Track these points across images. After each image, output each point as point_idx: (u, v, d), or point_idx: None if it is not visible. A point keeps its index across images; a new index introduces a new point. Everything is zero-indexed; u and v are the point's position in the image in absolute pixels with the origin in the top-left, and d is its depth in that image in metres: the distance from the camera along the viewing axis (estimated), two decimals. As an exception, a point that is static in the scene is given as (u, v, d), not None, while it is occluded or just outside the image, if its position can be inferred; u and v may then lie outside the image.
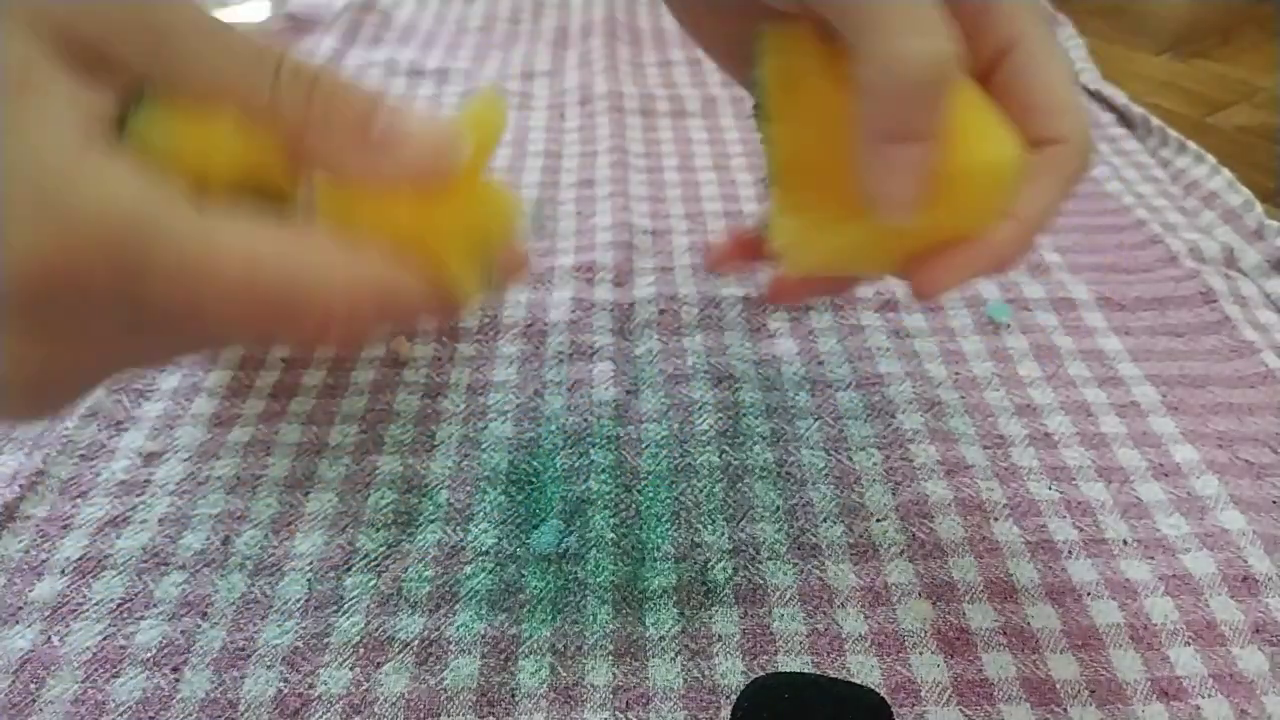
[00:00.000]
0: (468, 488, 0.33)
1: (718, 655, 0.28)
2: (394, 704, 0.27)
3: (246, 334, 0.18)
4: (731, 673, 0.28)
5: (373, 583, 0.30)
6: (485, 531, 0.32)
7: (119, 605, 0.29)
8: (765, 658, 0.28)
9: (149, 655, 0.28)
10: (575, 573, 0.30)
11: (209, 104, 0.18)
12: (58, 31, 0.17)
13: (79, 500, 0.33)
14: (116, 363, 0.19)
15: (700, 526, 0.32)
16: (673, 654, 0.28)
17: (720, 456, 0.34)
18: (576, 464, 0.34)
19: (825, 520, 0.32)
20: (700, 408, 0.37)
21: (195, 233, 0.17)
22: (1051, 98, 0.23)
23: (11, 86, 0.16)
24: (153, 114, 0.18)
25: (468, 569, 0.31)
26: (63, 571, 0.30)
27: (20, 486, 0.33)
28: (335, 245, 0.18)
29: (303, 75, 0.19)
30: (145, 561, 0.31)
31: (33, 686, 0.27)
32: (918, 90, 0.21)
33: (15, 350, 0.17)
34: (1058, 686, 0.27)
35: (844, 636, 0.29)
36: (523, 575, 0.30)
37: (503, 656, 0.28)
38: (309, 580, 0.30)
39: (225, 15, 0.71)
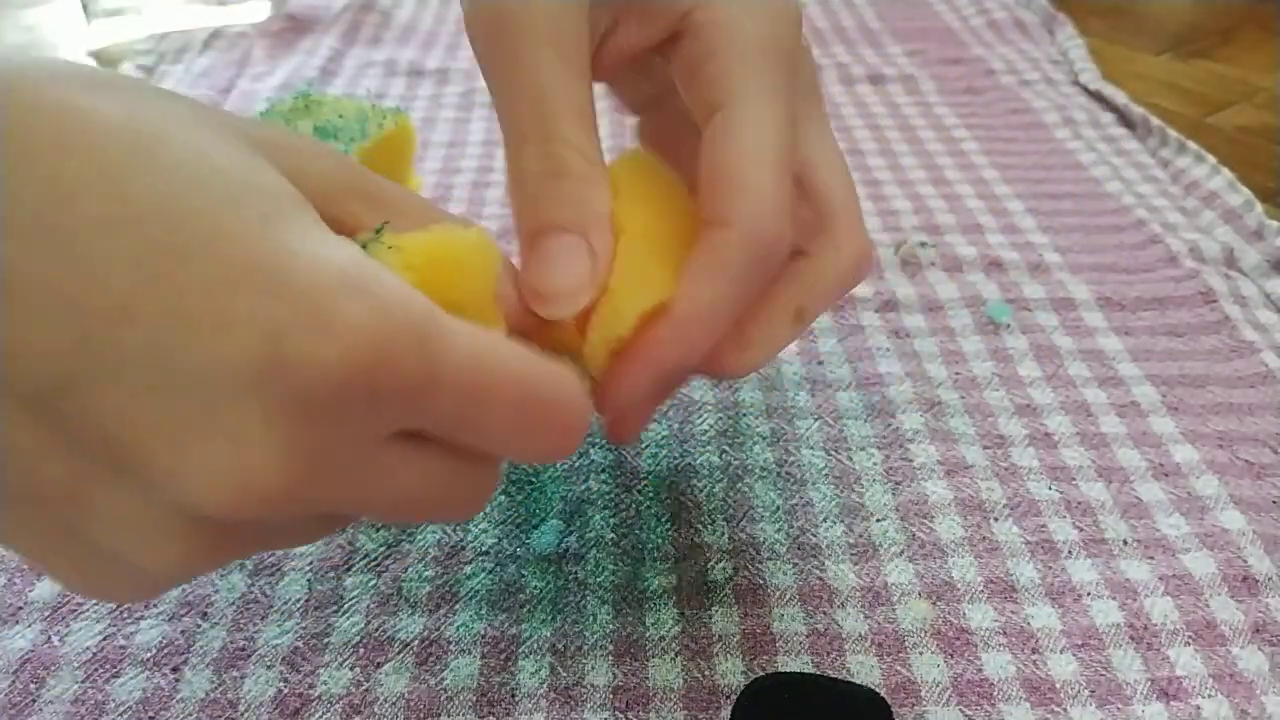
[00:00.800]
0: (468, 488, 0.33)
1: (718, 655, 0.28)
2: (394, 704, 0.27)
3: (496, 433, 0.18)
4: (731, 673, 0.28)
5: (373, 583, 0.30)
6: (485, 531, 0.32)
7: (119, 605, 0.29)
8: (765, 658, 0.28)
9: (149, 655, 0.28)
10: (575, 573, 0.30)
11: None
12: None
13: (79, 500, 0.33)
14: (351, 490, 0.17)
15: (700, 526, 0.32)
16: (673, 654, 0.28)
17: (720, 456, 0.35)
18: (576, 464, 0.34)
19: (825, 520, 0.32)
20: (700, 408, 0.37)
21: (465, 328, 0.17)
22: (728, 173, 0.21)
23: (285, 195, 0.16)
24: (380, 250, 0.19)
25: (468, 569, 0.31)
26: (63, 571, 0.30)
27: (20, 486, 0.33)
28: (552, 359, 0.19)
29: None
30: (145, 561, 0.31)
31: (33, 686, 0.27)
32: (543, 186, 0.21)
33: (279, 449, 0.15)
34: (1058, 686, 0.27)
35: (844, 636, 0.29)
36: (523, 575, 0.30)
37: (503, 656, 0.28)
38: (309, 580, 0.30)
39: (224, 16, 0.71)
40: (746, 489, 0.33)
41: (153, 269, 0.14)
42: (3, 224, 0.14)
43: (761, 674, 0.27)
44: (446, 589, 0.30)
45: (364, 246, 0.18)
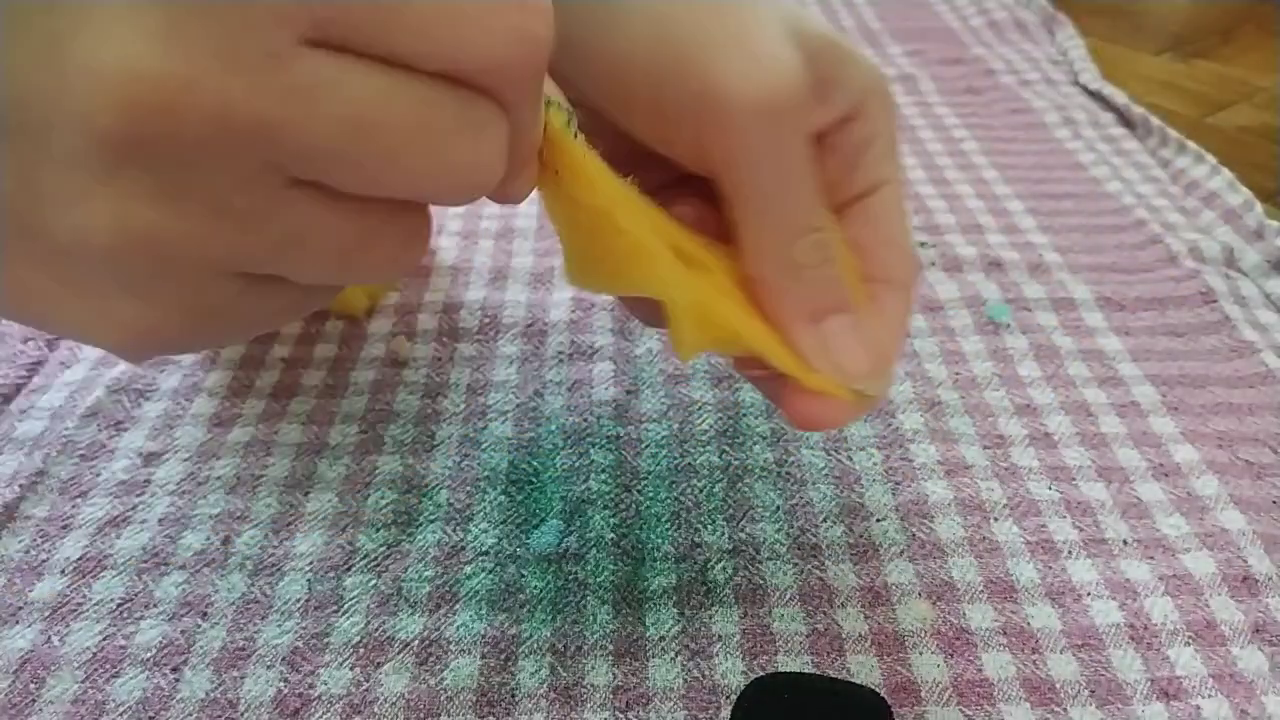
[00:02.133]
0: (468, 488, 0.33)
1: (718, 655, 0.28)
2: (394, 704, 0.27)
3: (439, 14, 0.15)
4: (731, 673, 0.28)
5: (373, 583, 0.30)
6: (485, 531, 0.32)
7: (119, 605, 0.29)
8: (765, 658, 0.28)
9: (149, 655, 0.28)
10: (575, 573, 0.30)
11: None
12: None
13: (79, 500, 0.33)
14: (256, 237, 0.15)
15: (700, 526, 0.32)
16: (673, 654, 0.28)
17: (720, 456, 0.35)
18: (576, 464, 0.34)
19: (825, 520, 0.32)
20: (700, 408, 0.37)
21: (322, 65, 0.14)
22: (899, 243, 0.25)
23: None
24: None
25: (468, 569, 0.31)
26: (63, 571, 0.30)
27: (20, 486, 0.33)
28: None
29: None
30: (145, 561, 0.31)
31: (33, 686, 0.27)
32: (819, 274, 0.23)
33: (159, 47, 0.13)
34: (1058, 686, 0.27)
35: (844, 636, 0.29)
36: (523, 575, 0.30)
37: (503, 656, 0.28)
38: (309, 580, 0.30)
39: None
40: (746, 489, 0.33)
41: None
42: None
43: (761, 674, 0.27)
44: (446, 589, 0.30)
45: None
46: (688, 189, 0.24)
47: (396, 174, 0.16)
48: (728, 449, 0.35)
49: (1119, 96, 0.59)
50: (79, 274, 0.15)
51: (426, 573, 0.30)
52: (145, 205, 0.14)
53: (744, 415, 0.36)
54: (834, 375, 0.23)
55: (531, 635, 0.29)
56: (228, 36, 0.14)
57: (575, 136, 0.20)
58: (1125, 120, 0.58)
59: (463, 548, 0.31)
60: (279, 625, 0.29)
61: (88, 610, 0.29)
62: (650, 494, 0.33)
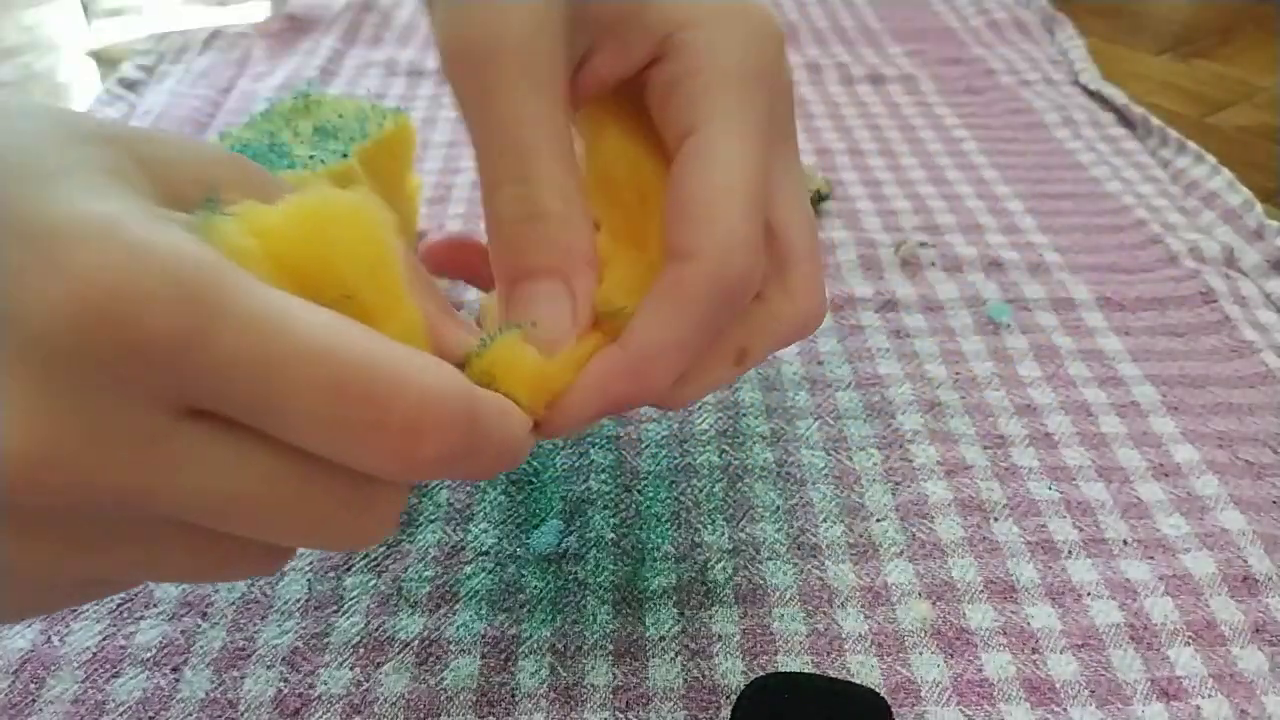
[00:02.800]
0: (468, 488, 0.33)
1: (718, 655, 0.28)
2: (394, 704, 0.27)
3: (314, 427, 0.15)
4: (731, 673, 0.28)
5: (373, 583, 0.30)
6: (485, 531, 0.32)
7: (119, 605, 0.29)
8: (765, 658, 0.28)
9: (149, 655, 0.28)
10: (575, 573, 0.30)
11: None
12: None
13: (79, 500, 0.33)
14: (131, 476, 0.14)
15: (700, 526, 0.32)
16: (673, 654, 0.28)
17: (720, 456, 0.35)
18: (576, 464, 0.34)
19: (825, 520, 0.32)
20: (700, 408, 0.37)
21: (273, 294, 0.14)
22: (697, 202, 0.20)
23: (96, 165, 0.15)
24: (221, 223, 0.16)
25: (468, 569, 0.31)
26: (63, 571, 0.30)
27: (20, 486, 0.33)
28: (436, 360, 0.16)
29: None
30: (145, 561, 0.31)
31: (33, 686, 0.27)
32: (519, 231, 0.20)
33: (25, 407, 0.13)
34: (1058, 686, 0.27)
35: (844, 636, 0.29)
36: (523, 575, 0.30)
37: (503, 656, 0.28)
38: (309, 580, 0.30)
39: (224, 16, 0.71)
40: (746, 489, 0.33)
41: None
42: None
43: (761, 674, 0.27)
44: (446, 589, 0.30)
45: (199, 213, 0.16)
46: None
47: (269, 535, 0.16)
48: (728, 449, 0.35)
49: (1119, 96, 0.59)
50: None
51: (426, 573, 0.30)
52: (16, 542, 0.15)
53: (744, 415, 0.36)
54: (528, 338, 0.20)
55: (531, 635, 0.29)
56: (97, 414, 0.14)
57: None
58: (1125, 120, 0.58)
59: (463, 548, 0.31)
60: (279, 625, 0.29)
61: (88, 610, 0.29)
62: (650, 494, 0.33)
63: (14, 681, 0.27)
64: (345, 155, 0.35)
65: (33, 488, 0.14)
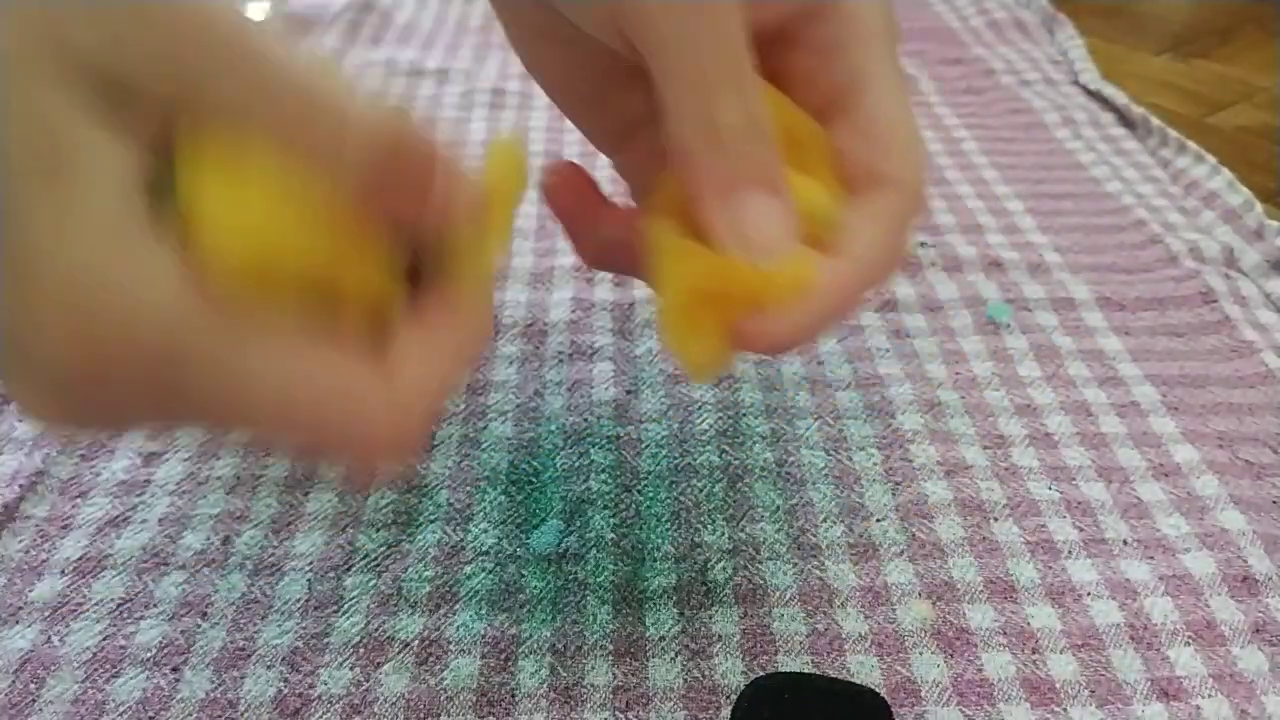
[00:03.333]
0: (468, 488, 0.33)
1: (718, 655, 0.28)
2: (394, 704, 0.27)
3: (291, 450, 0.19)
4: (731, 673, 0.28)
5: (373, 583, 0.30)
6: (485, 531, 0.32)
7: (119, 605, 0.29)
8: (765, 658, 0.28)
9: (149, 655, 0.28)
10: (575, 573, 0.30)
11: (256, 160, 0.16)
12: (85, 70, 0.16)
13: (79, 500, 0.33)
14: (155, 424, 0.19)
15: (700, 526, 0.32)
16: (673, 654, 0.28)
17: (720, 456, 0.35)
18: (576, 464, 0.34)
19: (825, 520, 0.32)
20: (700, 408, 0.37)
21: (229, 355, 0.16)
22: (894, 138, 0.22)
23: (41, 158, 0.15)
24: (195, 174, 0.16)
25: (468, 569, 0.31)
26: (63, 571, 0.30)
27: (20, 486, 0.33)
28: (371, 374, 0.18)
29: (377, 137, 0.17)
30: (145, 561, 0.31)
31: (33, 686, 0.27)
32: (742, 143, 0.20)
33: (45, 407, 0.17)
34: (1058, 686, 0.27)
35: (844, 636, 0.29)
36: (523, 575, 0.30)
37: (503, 656, 0.28)
38: (309, 580, 0.30)
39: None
40: (746, 489, 0.33)
41: None
42: None
43: (761, 674, 0.27)
44: (446, 589, 0.30)
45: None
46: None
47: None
48: (728, 449, 0.35)
49: (1119, 96, 0.59)
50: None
51: (426, 573, 0.30)
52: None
53: (744, 415, 0.36)
54: (740, 250, 0.20)
55: (531, 635, 0.29)
56: (106, 410, 0.17)
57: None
58: (1125, 120, 0.58)
59: (463, 548, 0.31)
60: (279, 625, 0.29)
61: (88, 610, 0.29)
62: (650, 494, 0.33)
63: (14, 681, 0.27)
64: None
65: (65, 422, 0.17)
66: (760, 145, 0.20)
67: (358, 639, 0.29)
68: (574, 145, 0.54)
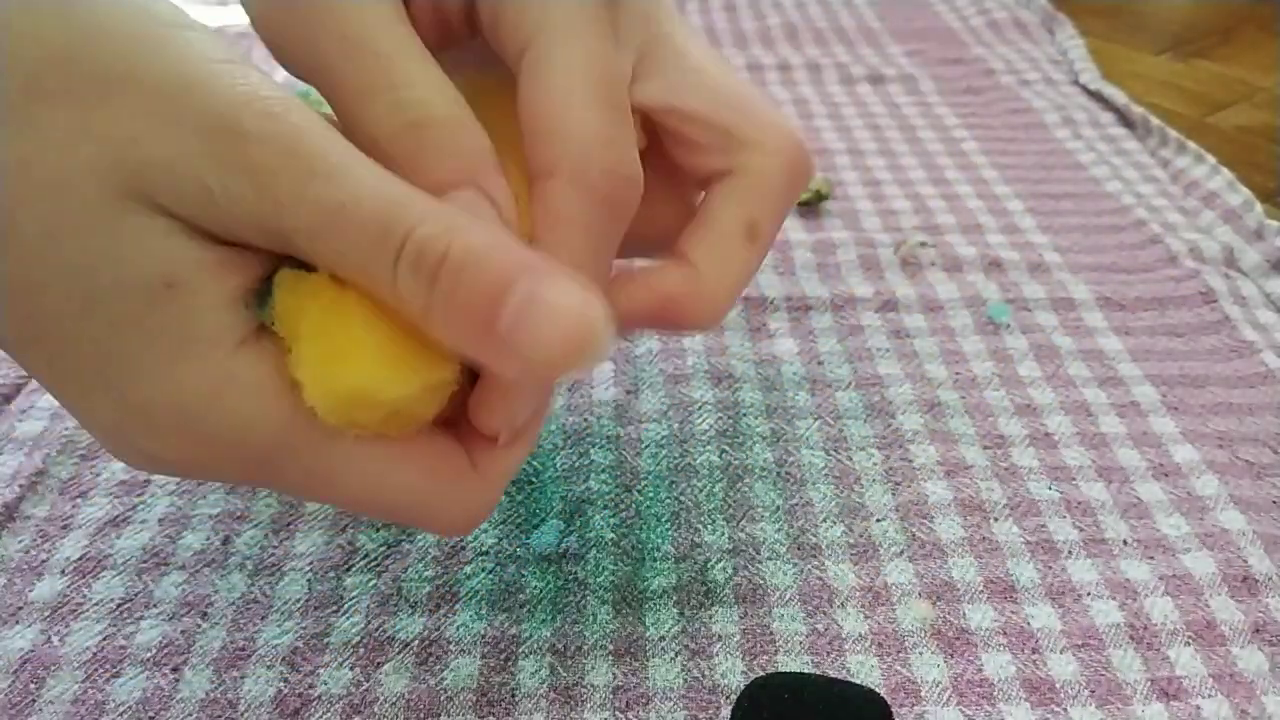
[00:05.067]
0: (468, 488, 0.33)
1: (718, 655, 0.28)
2: (394, 704, 0.27)
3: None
4: (731, 673, 0.28)
5: (373, 583, 0.30)
6: (485, 531, 0.32)
7: (119, 605, 0.29)
8: (765, 658, 0.28)
9: (149, 655, 0.28)
10: (575, 573, 0.30)
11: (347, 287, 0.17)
12: (198, 228, 0.16)
13: (79, 500, 0.33)
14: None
15: (700, 526, 0.32)
16: (673, 654, 0.28)
17: (720, 456, 0.35)
18: (576, 464, 0.34)
19: (825, 520, 0.32)
20: (700, 408, 0.37)
21: (323, 459, 0.18)
22: (543, 118, 0.18)
23: (157, 285, 0.16)
24: (292, 297, 0.17)
25: (468, 569, 0.31)
26: (63, 571, 0.30)
27: (20, 486, 0.33)
28: (454, 478, 0.20)
29: (428, 256, 0.15)
30: (145, 561, 0.31)
31: (33, 686, 0.27)
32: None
33: (144, 469, 0.19)
34: (1058, 686, 0.27)
35: (844, 636, 0.29)
36: (523, 575, 0.30)
37: (503, 656, 0.28)
38: (309, 580, 0.30)
39: (224, 15, 0.71)
40: (746, 489, 0.33)
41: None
42: None
43: (761, 674, 0.27)
44: (446, 589, 0.30)
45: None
46: None
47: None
48: (728, 449, 0.35)
49: (1119, 96, 0.59)
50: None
51: (426, 573, 0.30)
52: None
53: (744, 415, 0.36)
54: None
55: (531, 635, 0.29)
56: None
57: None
58: (1125, 120, 0.58)
59: (463, 548, 0.31)
60: (279, 625, 0.29)
61: (88, 610, 0.29)
62: (650, 494, 0.33)
63: (14, 681, 0.27)
64: None
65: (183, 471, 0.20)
66: (438, 139, 0.18)
67: (358, 639, 0.29)
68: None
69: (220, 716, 0.27)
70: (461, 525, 0.20)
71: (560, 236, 0.18)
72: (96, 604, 0.29)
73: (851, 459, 0.35)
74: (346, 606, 0.29)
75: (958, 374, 0.38)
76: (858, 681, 0.27)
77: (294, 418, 0.17)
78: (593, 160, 0.18)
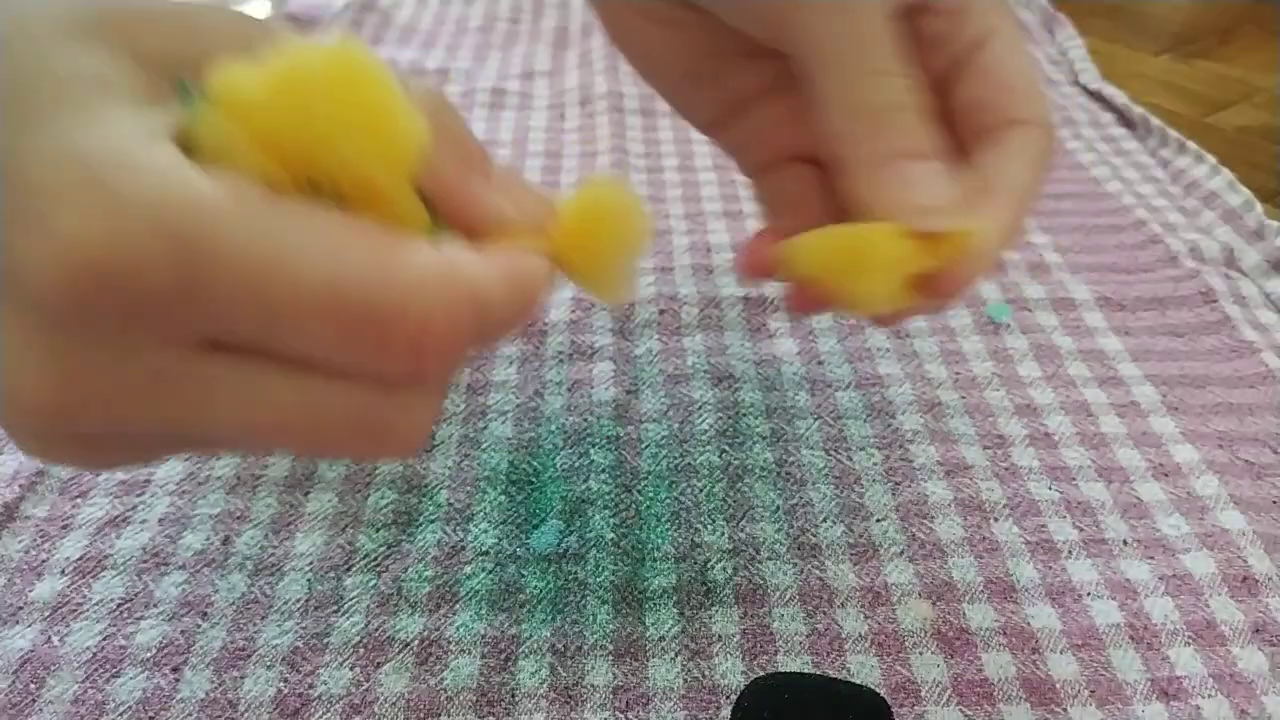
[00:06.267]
0: (468, 488, 0.33)
1: (718, 655, 0.28)
2: (394, 704, 0.27)
3: (324, 351, 0.15)
4: (731, 673, 0.28)
5: (373, 583, 0.30)
6: (485, 531, 0.32)
7: (119, 605, 0.29)
8: (765, 658, 0.28)
9: (149, 655, 0.28)
10: (575, 573, 0.30)
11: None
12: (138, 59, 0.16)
13: (79, 500, 0.33)
14: (158, 411, 0.15)
15: (700, 526, 0.32)
16: (673, 654, 0.28)
17: (720, 456, 0.35)
18: (576, 464, 0.34)
19: (825, 520, 0.32)
20: (700, 408, 0.37)
21: (270, 227, 0.14)
22: (1022, 84, 0.24)
23: (81, 81, 0.15)
24: (208, 112, 0.15)
25: (468, 569, 0.31)
26: (63, 571, 0.30)
27: (20, 486, 0.33)
28: (432, 250, 0.16)
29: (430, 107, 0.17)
30: (145, 561, 0.31)
31: (33, 686, 0.27)
32: (895, 116, 0.22)
33: (39, 362, 0.14)
34: (1058, 686, 0.27)
35: (844, 636, 0.29)
36: (523, 575, 0.30)
37: (503, 656, 0.28)
38: (309, 580, 0.30)
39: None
40: (746, 489, 0.33)
41: None
42: None
43: (761, 674, 0.27)
44: (446, 589, 0.30)
45: (179, 105, 0.15)
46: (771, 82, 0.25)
47: (308, 451, 0.18)
48: (728, 449, 0.35)
49: (1119, 96, 0.59)
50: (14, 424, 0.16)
51: (426, 573, 0.30)
52: (64, 452, 0.16)
53: (744, 415, 0.36)
54: (914, 217, 0.21)
55: (531, 635, 0.29)
56: (109, 363, 0.14)
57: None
58: (1125, 120, 0.58)
59: (463, 548, 0.31)
60: (279, 625, 0.29)
61: (88, 610, 0.29)
62: (650, 494, 0.33)
63: (14, 681, 0.27)
64: None
65: (60, 428, 0.15)
66: (909, 119, 0.22)
67: (358, 639, 0.29)
68: (573, 145, 0.54)
69: (220, 716, 0.27)
70: (441, 319, 0.15)
71: (1036, 167, 0.23)
72: (96, 604, 0.29)
73: (851, 459, 0.35)
74: (346, 606, 0.29)
75: (958, 374, 0.38)
76: (858, 681, 0.27)
77: (228, 190, 0.14)
78: (1050, 118, 0.24)
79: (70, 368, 0.14)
